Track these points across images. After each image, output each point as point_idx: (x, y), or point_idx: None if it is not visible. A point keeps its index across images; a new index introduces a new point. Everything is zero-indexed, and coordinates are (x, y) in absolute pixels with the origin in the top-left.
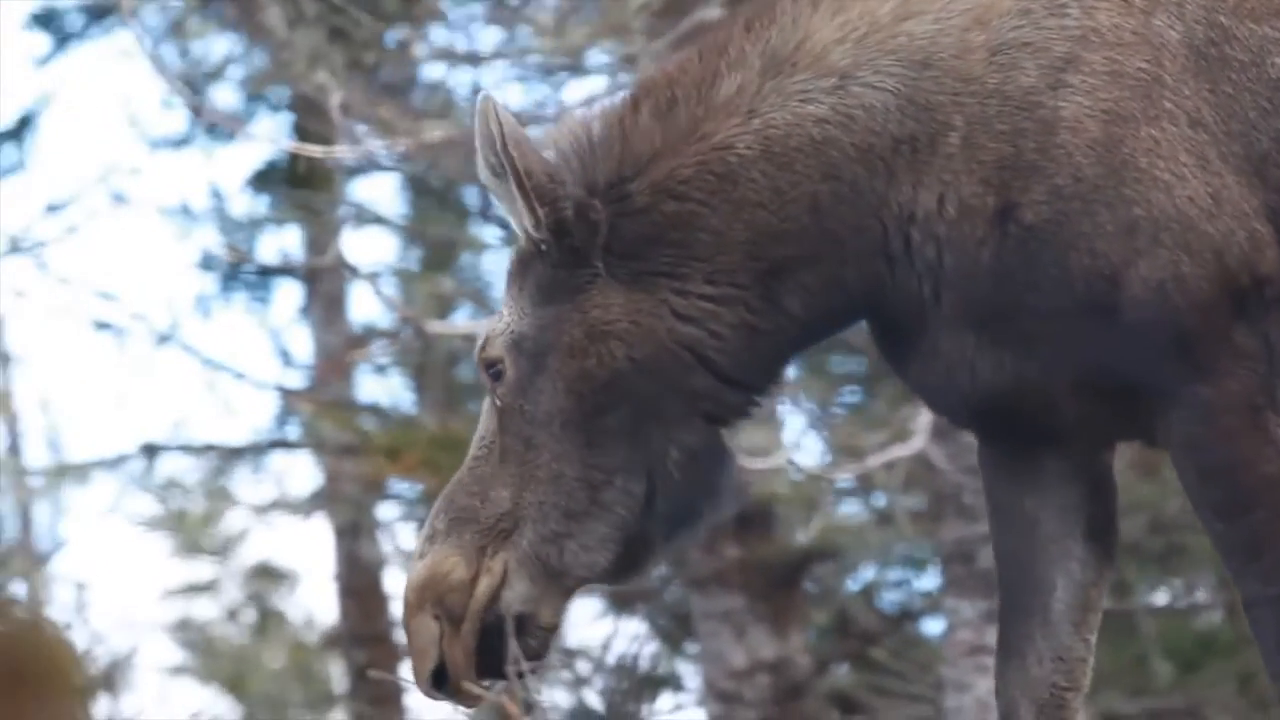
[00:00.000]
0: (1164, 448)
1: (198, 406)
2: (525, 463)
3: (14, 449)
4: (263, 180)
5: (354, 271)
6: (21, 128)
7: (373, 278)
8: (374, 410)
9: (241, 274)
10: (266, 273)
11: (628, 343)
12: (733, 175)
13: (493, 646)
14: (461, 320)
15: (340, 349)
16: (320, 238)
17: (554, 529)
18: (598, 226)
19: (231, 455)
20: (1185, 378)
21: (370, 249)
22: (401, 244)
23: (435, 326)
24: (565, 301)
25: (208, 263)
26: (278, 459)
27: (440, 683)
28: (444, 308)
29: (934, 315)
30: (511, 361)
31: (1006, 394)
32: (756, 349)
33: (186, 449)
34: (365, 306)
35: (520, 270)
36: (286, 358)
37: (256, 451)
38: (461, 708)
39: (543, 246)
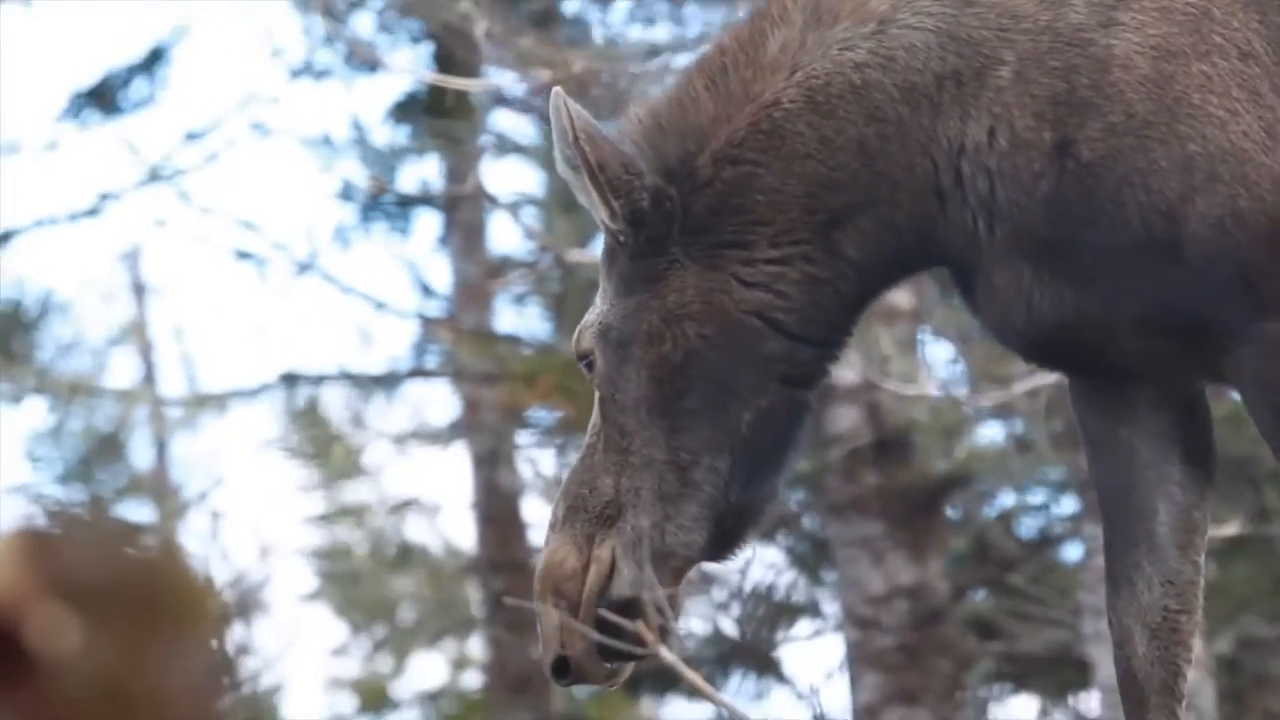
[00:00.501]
0: (1234, 386)
1: (337, 336)
2: (622, 450)
3: (149, 378)
4: (403, 110)
5: (493, 201)
6: (153, 61)
7: (512, 207)
8: (512, 339)
9: (381, 204)
10: (406, 202)
11: (699, 322)
12: (780, 130)
13: (609, 632)
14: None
15: (479, 278)
16: (460, 167)
17: (651, 513)
18: (673, 212)
19: (370, 384)
20: (1250, 314)
21: (510, 178)
22: (541, 173)
23: (574, 255)
24: (645, 290)
25: (348, 193)
26: (416, 388)
27: (564, 671)
28: (583, 236)
29: (989, 250)
30: (600, 352)
31: (1066, 327)
32: (822, 303)
33: (325, 378)
34: (505, 236)
35: (608, 260)
36: (426, 287)
37: (395, 381)
38: (593, 688)
39: (621, 238)
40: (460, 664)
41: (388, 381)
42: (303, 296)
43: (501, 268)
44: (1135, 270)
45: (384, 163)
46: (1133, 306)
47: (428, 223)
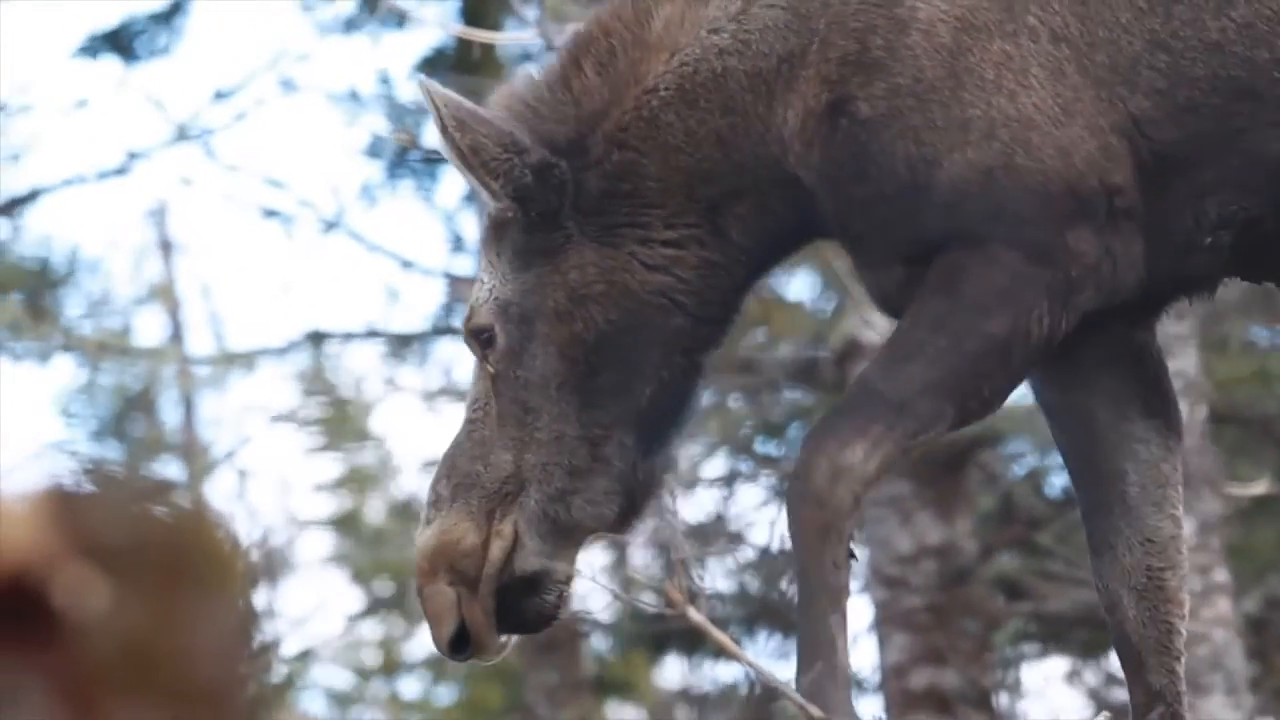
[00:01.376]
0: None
1: (364, 293)
2: (524, 426)
3: (176, 337)
4: (430, 66)
5: None
6: (173, 12)
7: None
8: None
9: (408, 160)
10: (433, 159)
11: (605, 305)
12: (656, 120)
13: (508, 606)
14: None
15: None
16: None
17: (559, 487)
18: (563, 186)
19: (398, 343)
20: (990, 236)
21: None
22: None
23: None
24: (544, 264)
25: (375, 148)
26: (445, 346)
27: (461, 646)
28: None
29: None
30: (501, 328)
31: (881, 296)
32: (719, 284)
33: (353, 336)
34: None
35: (495, 235)
36: (455, 243)
37: (423, 339)
38: (481, 663)
39: (509, 214)
40: None
41: (415, 340)
42: (330, 254)
43: None
44: (896, 218)
45: (411, 118)
46: (896, 252)
47: (455, 179)
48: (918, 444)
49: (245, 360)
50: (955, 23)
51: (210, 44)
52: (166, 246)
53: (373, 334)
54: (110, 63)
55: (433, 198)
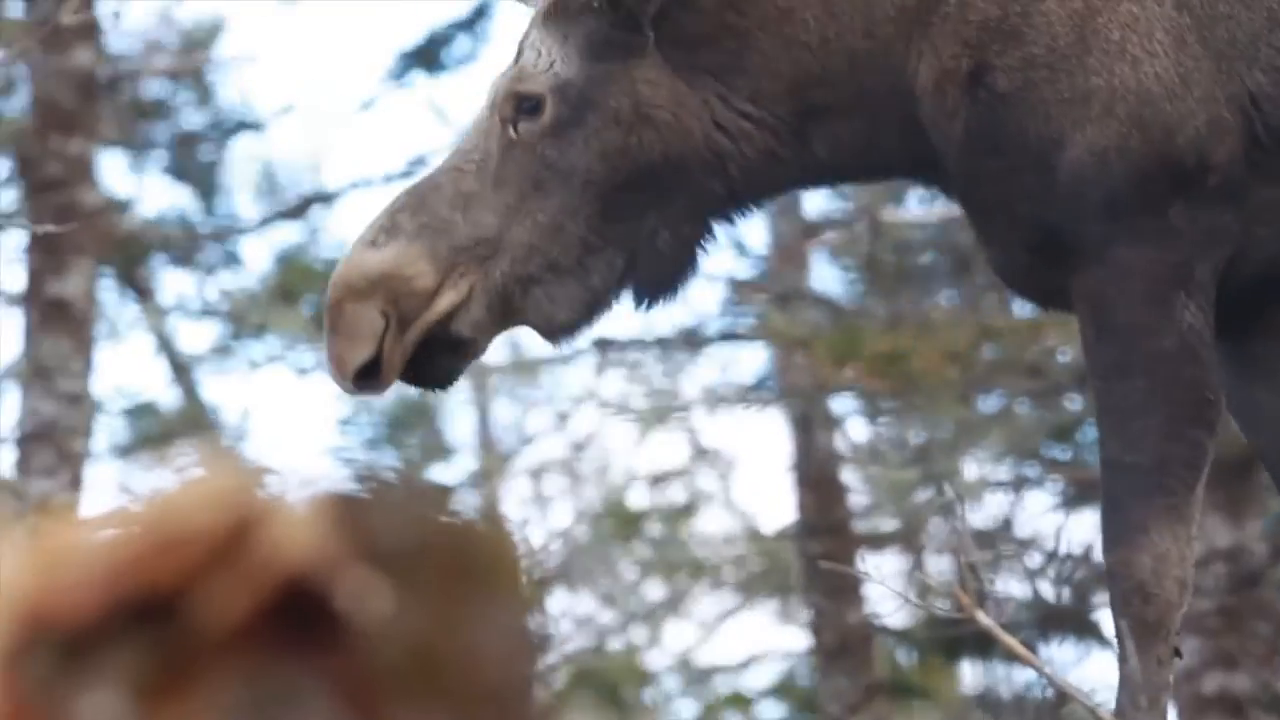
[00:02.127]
0: (1075, 305)
1: None
2: (525, 200)
3: None
4: None
5: None
6: (477, 16)
7: None
8: (826, 301)
9: None
10: None
11: (663, 135)
12: (789, 12)
13: (423, 357)
14: (914, 208)
15: (794, 238)
16: None
17: (531, 273)
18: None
19: (684, 346)
20: (1108, 239)
21: None
22: None
23: (888, 215)
24: (616, 63)
25: None
26: (730, 350)
27: (366, 375)
28: (896, 196)
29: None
30: (551, 104)
31: (1002, 271)
32: (773, 176)
33: (639, 342)
34: (818, 195)
35: (563, 14)
36: (740, 248)
37: (706, 343)
38: (363, 397)
39: (595, 3)
40: (779, 629)
41: (701, 343)
42: None
43: (817, 226)
44: (1022, 195)
45: None
46: (1019, 235)
47: None
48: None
49: (533, 367)
50: None
51: (502, 44)
52: None
53: (658, 339)
54: (418, 79)
55: None
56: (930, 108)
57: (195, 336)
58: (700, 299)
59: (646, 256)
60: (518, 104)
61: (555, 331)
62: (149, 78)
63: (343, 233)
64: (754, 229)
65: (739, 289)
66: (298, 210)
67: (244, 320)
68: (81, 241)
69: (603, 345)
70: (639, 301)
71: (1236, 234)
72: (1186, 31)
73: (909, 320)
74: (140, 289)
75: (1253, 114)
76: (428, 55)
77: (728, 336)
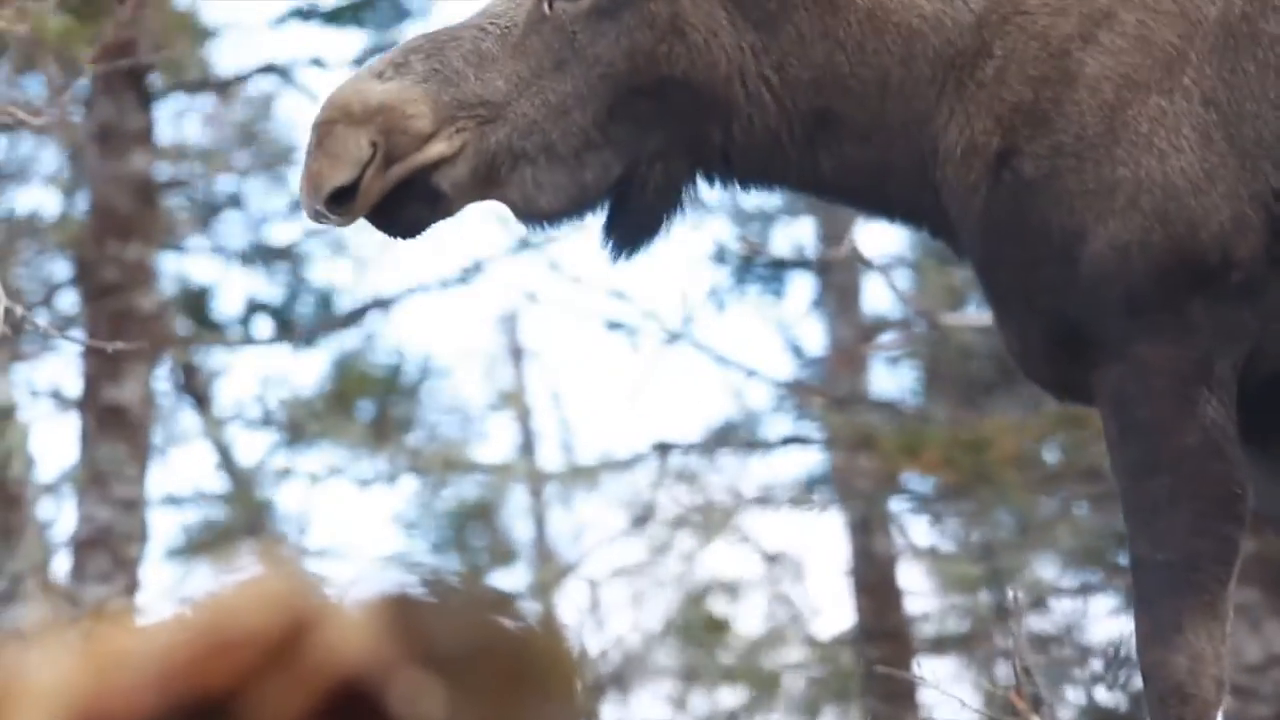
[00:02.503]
0: (1096, 401)
1: (709, 401)
2: (541, 75)
3: (527, 447)
4: None
5: (868, 263)
6: None
7: (886, 269)
8: (885, 404)
9: (754, 267)
10: (780, 265)
11: (692, 57)
12: (836, 7)
13: (395, 199)
14: (974, 312)
15: (853, 341)
16: (834, 230)
17: (526, 148)
18: None
19: (742, 450)
20: (1129, 336)
21: (883, 240)
22: (915, 235)
23: (948, 318)
24: None
25: (721, 255)
26: (789, 453)
27: (341, 199)
28: (957, 299)
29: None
30: None
31: (1016, 357)
32: (768, 163)
33: (698, 446)
34: (878, 298)
35: None
36: (799, 351)
37: (767, 447)
38: (322, 225)
39: None
40: None
41: (760, 447)
42: (675, 362)
43: (875, 330)
44: (1042, 286)
45: (756, 225)
46: (1038, 325)
47: (801, 285)
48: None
49: (590, 474)
50: (1119, 80)
51: None
52: (517, 353)
53: (718, 443)
54: None
55: (778, 305)
56: (952, 175)
57: (252, 442)
58: (758, 401)
59: (640, 180)
60: None
61: (531, 215)
62: (209, 178)
63: (400, 338)
64: (812, 331)
65: (798, 392)
66: (355, 316)
67: (300, 428)
68: (138, 347)
69: (661, 450)
70: (614, 244)
71: (1255, 330)
72: (1213, 128)
73: (970, 421)
74: (197, 394)
75: (1276, 210)
76: None
77: (787, 440)
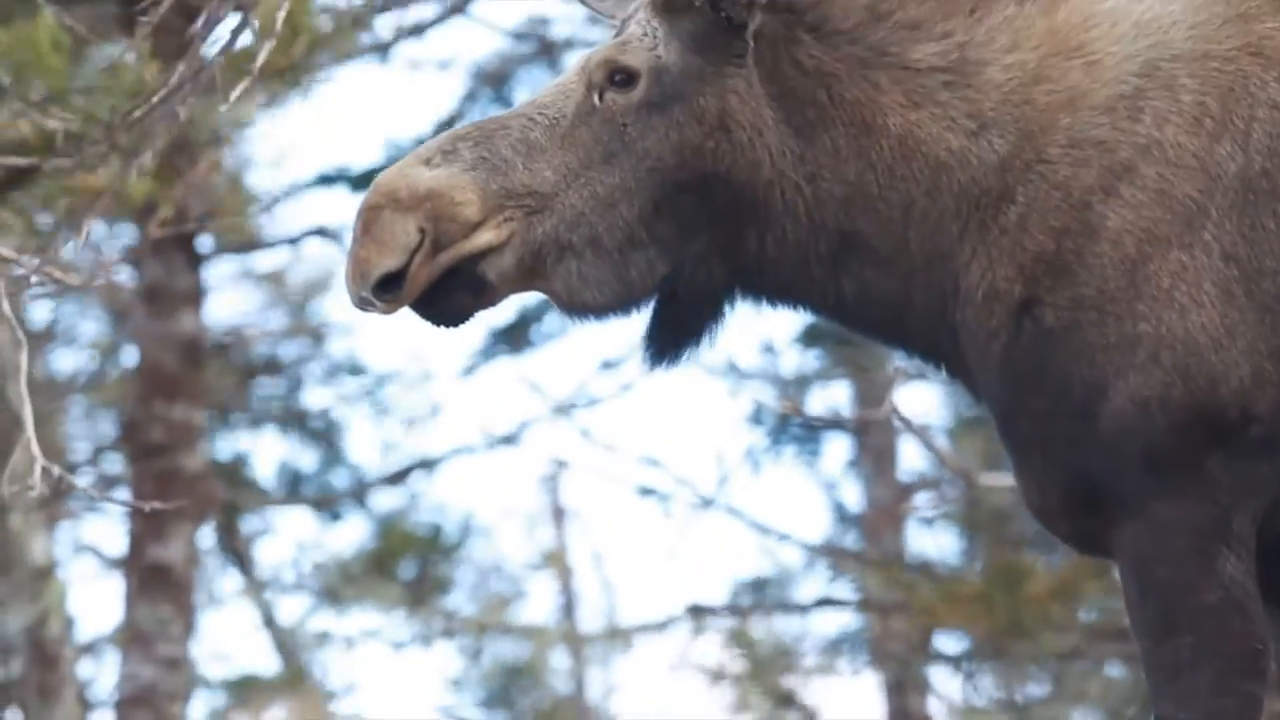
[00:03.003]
0: (1116, 558)
1: (744, 563)
2: (590, 168)
3: (568, 608)
4: (813, 336)
5: (905, 424)
6: None
7: (922, 430)
8: (922, 566)
9: (790, 428)
10: (816, 426)
11: (736, 155)
12: (871, 129)
13: (441, 287)
14: (1009, 473)
15: (889, 502)
16: (870, 391)
17: (573, 241)
18: (751, 9)
19: (777, 612)
20: (1148, 493)
21: (919, 401)
22: (950, 397)
23: (985, 479)
24: (711, 64)
25: (758, 417)
26: (825, 615)
27: (389, 287)
28: (993, 460)
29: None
30: (646, 84)
31: (1033, 511)
32: (795, 281)
33: (733, 609)
34: (914, 459)
35: (673, 7)
36: (837, 511)
37: (803, 609)
38: (373, 314)
39: (696, 3)
40: None
41: (796, 609)
42: (710, 524)
43: (911, 491)
44: (1061, 439)
45: (792, 387)
46: (1057, 478)
47: (838, 446)
48: None
49: (626, 636)
50: (1140, 234)
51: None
52: (559, 514)
53: (752, 606)
54: (505, 353)
55: (815, 467)
56: (972, 318)
57: (295, 603)
58: (792, 562)
59: (683, 284)
60: (611, 73)
61: (574, 308)
62: (258, 340)
63: (442, 498)
64: (850, 492)
65: (834, 554)
66: (398, 476)
67: (340, 590)
68: (183, 507)
69: (696, 612)
70: (656, 352)
71: (1274, 484)
72: (1233, 283)
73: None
74: (240, 555)
75: None
76: (516, 335)
77: (821, 602)
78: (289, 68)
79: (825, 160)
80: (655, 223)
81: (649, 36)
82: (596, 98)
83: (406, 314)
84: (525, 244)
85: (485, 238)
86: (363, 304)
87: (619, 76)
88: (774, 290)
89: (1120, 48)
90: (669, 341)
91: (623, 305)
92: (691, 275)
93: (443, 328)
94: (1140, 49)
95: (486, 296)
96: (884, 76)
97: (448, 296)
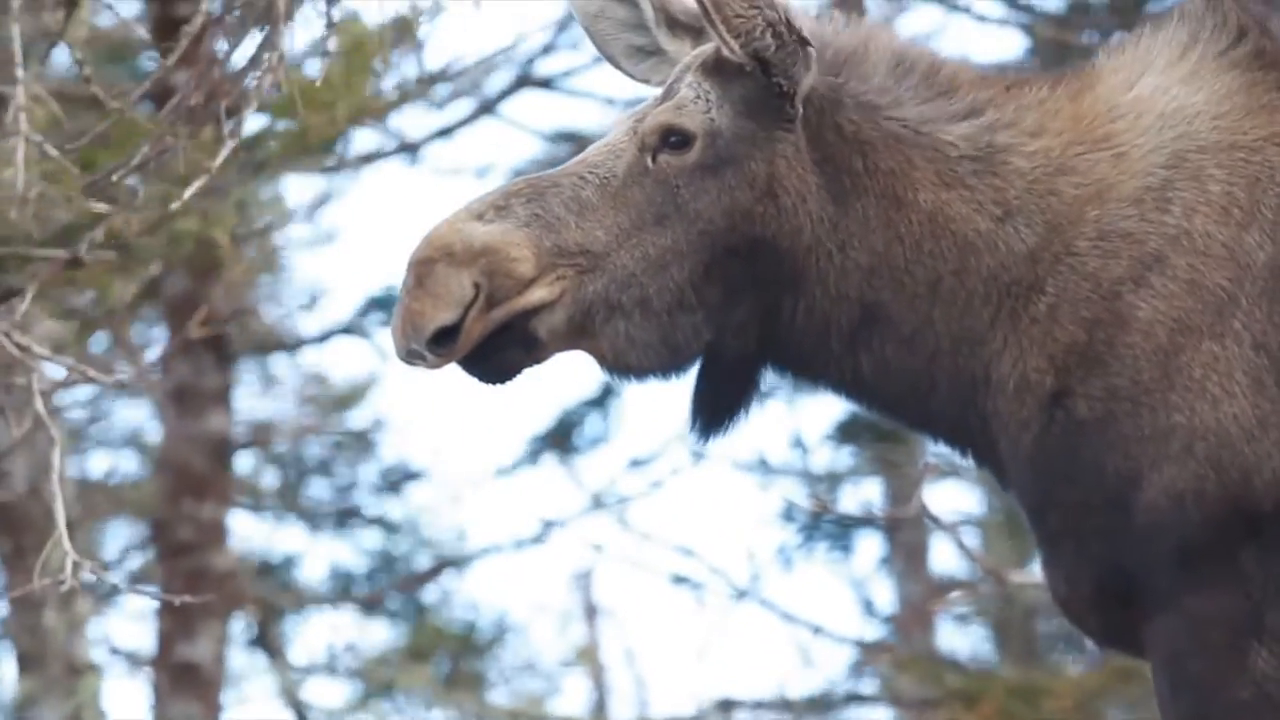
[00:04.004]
0: (1148, 653)
1: (775, 658)
2: (641, 229)
3: (600, 704)
4: (845, 433)
5: (936, 522)
6: (605, 395)
7: (954, 528)
8: (952, 663)
9: (822, 524)
10: (848, 523)
11: (781, 220)
12: (901, 202)
13: (493, 343)
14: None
15: (921, 599)
16: (901, 489)
17: (624, 301)
18: (798, 71)
19: (808, 709)
20: (1180, 587)
21: (950, 499)
22: (982, 495)
23: (1016, 576)
24: (763, 128)
25: (789, 513)
26: (855, 713)
27: (442, 341)
28: (1024, 557)
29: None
30: (702, 146)
31: (1060, 603)
32: (814, 355)
33: (762, 705)
34: (946, 557)
35: (719, 72)
36: (868, 608)
37: (833, 706)
38: (419, 369)
39: (746, 68)
40: None
41: (825, 707)
42: (742, 618)
43: (943, 588)
44: (1094, 531)
45: (824, 484)
46: (1088, 571)
47: (869, 543)
48: None
49: None
50: (1171, 324)
51: (629, 417)
52: (591, 611)
53: (782, 702)
54: (549, 457)
55: (847, 562)
56: (1004, 408)
57: (326, 693)
58: (828, 662)
59: (726, 351)
60: (665, 135)
61: (618, 369)
62: (289, 438)
63: (476, 595)
64: (881, 590)
65: (866, 651)
66: (432, 573)
67: (374, 679)
68: (211, 605)
69: (724, 707)
70: (702, 424)
71: None
72: (1264, 373)
73: (1031, 675)
74: (271, 648)
75: None
76: (559, 438)
77: (852, 698)
78: (319, 144)
79: (855, 229)
80: (704, 287)
81: (702, 99)
82: (650, 159)
83: (451, 370)
84: (576, 302)
85: (539, 294)
86: (411, 357)
87: (674, 138)
88: (795, 362)
89: (1146, 139)
90: (716, 412)
91: (665, 370)
92: (732, 343)
93: (490, 384)
94: (1166, 140)
95: (536, 353)
96: (918, 155)
97: (499, 353)
